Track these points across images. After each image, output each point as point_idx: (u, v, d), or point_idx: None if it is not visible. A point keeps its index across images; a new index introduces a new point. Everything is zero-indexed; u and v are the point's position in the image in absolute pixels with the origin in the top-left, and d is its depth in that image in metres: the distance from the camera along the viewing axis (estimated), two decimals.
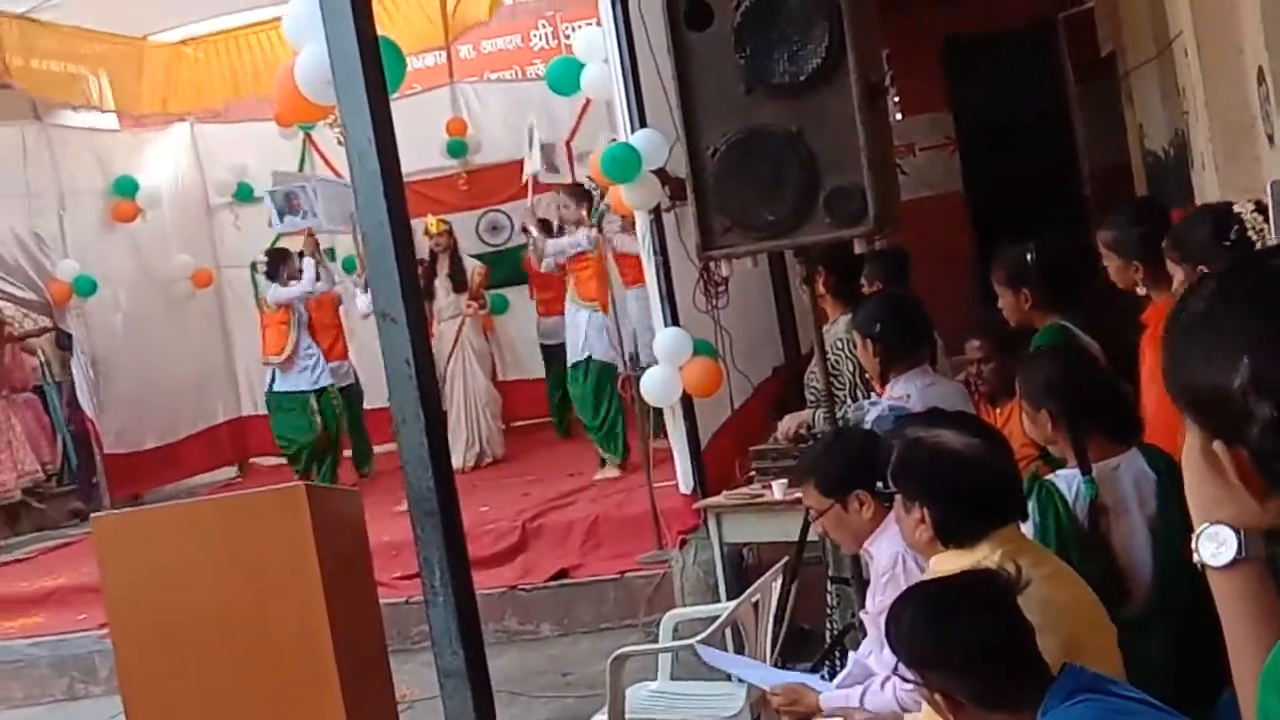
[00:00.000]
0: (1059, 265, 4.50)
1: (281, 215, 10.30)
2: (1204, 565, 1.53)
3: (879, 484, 3.19)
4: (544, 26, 13.56)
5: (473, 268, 10.94)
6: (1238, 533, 1.50)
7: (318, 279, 10.64)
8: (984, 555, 2.81)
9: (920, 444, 3.03)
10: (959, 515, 2.92)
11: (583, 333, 9.65)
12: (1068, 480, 3.27)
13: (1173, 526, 3.16)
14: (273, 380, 10.81)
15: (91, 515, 5.09)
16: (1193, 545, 1.54)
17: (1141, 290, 4.17)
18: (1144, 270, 4.13)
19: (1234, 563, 1.51)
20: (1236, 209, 3.43)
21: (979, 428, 3.20)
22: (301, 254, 10.75)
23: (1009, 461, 3.08)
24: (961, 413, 3.60)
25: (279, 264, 10.71)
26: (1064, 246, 4.66)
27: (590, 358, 9.62)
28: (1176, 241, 3.52)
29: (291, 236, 10.98)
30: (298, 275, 10.63)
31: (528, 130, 10.16)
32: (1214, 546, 1.51)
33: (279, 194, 10.26)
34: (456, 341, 10.75)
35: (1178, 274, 3.47)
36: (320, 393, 10.74)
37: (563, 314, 10.13)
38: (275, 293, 10.62)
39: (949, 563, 2.87)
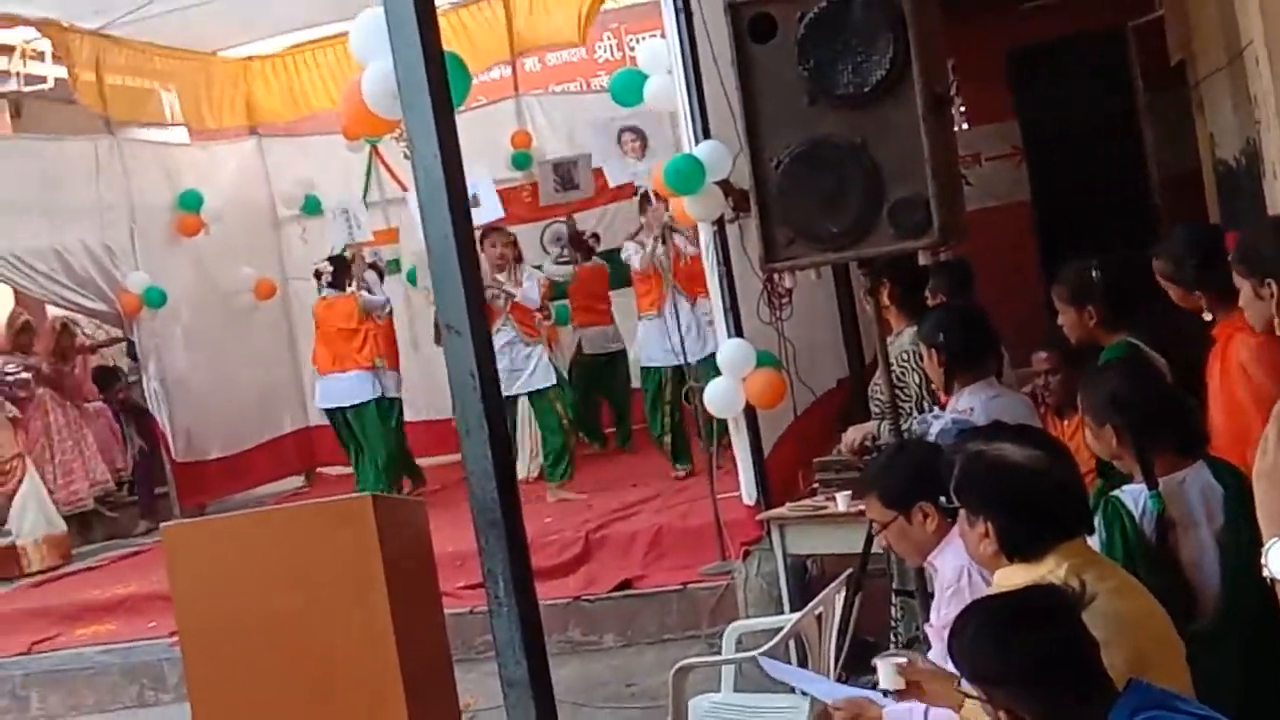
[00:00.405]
0: (1124, 282, 4.46)
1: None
2: (1274, 580, 1.51)
3: (942, 499, 3.16)
4: (609, 39, 13.61)
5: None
6: None
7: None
8: (1049, 569, 2.78)
9: (982, 457, 3.01)
10: (1023, 527, 2.89)
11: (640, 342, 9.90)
12: (1134, 496, 3.24)
13: (1241, 541, 3.12)
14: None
15: (161, 524, 5.15)
16: (1263, 559, 1.52)
17: (1208, 316, 4.12)
18: (1206, 297, 4.09)
19: None
20: None
21: (1041, 439, 3.18)
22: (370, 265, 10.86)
23: (1073, 473, 3.05)
24: (1024, 425, 3.57)
25: (344, 272, 10.76)
26: (1128, 262, 4.61)
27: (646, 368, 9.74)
28: (1244, 255, 3.47)
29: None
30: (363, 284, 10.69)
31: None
32: None
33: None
34: None
35: (1245, 287, 3.42)
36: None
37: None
38: (370, 300, 10.67)
39: (1014, 577, 2.84)
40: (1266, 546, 1.53)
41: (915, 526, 3.61)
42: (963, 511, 3.01)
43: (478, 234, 10.13)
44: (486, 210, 10.09)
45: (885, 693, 3.94)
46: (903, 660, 3.32)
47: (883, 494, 3.70)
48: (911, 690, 3.32)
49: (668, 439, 10.07)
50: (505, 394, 9.18)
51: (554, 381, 10.09)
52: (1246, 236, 3.76)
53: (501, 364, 9.26)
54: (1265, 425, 3.22)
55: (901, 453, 3.94)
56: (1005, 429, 3.25)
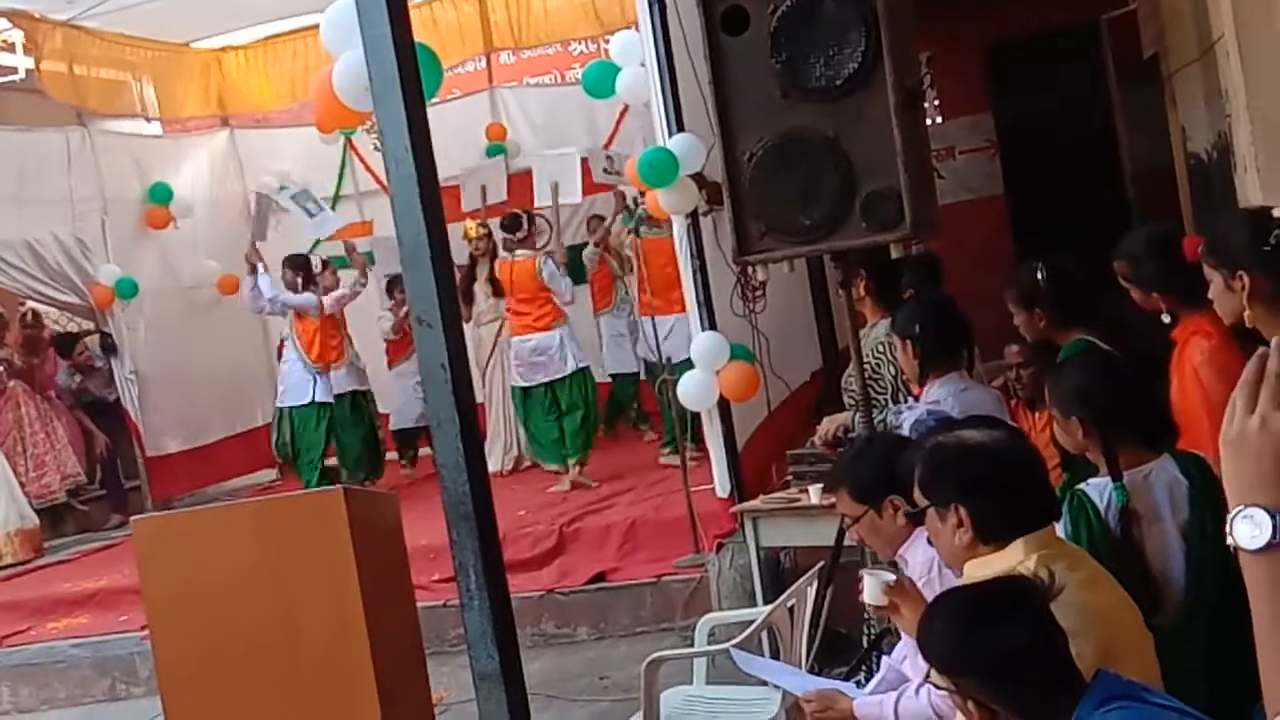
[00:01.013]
0: (1069, 284, 4.48)
1: (311, 215, 10.31)
2: (1238, 548, 1.52)
3: (905, 506, 3.18)
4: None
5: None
6: (1274, 516, 1.49)
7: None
8: (1018, 560, 2.79)
9: (943, 447, 3.02)
10: (995, 507, 2.90)
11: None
12: (1099, 489, 3.25)
13: (1205, 533, 3.13)
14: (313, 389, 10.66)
15: (131, 518, 5.13)
16: (1227, 528, 1.52)
17: (1167, 318, 4.14)
18: (1165, 299, 4.12)
19: (1268, 546, 1.49)
20: (1277, 213, 3.39)
21: (996, 424, 3.20)
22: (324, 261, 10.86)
23: (1033, 452, 3.08)
24: (975, 415, 3.59)
25: (300, 271, 10.72)
26: (1075, 263, 4.63)
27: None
28: (1214, 247, 3.48)
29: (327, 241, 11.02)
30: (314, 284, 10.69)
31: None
32: (1250, 529, 1.50)
33: (302, 194, 10.27)
34: (495, 345, 10.77)
35: (1215, 279, 3.43)
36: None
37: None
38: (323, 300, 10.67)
39: (984, 569, 2.85)
40: (1230, 515, 1.53)
41: (886, 520, 3.62)
42: (931, 511, 3.00)
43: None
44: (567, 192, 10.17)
45: (858, 681, 3.97)
46: (891, 578, 3.31)
47: (852, 489, 3.71)
48: (889, 610, 3.32)
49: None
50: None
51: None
52: (1218, 228, 3.78)
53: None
54: (1211, 427, 3.24)
55: (870, 446, 3.95)
56: (958, 421, 3.27)
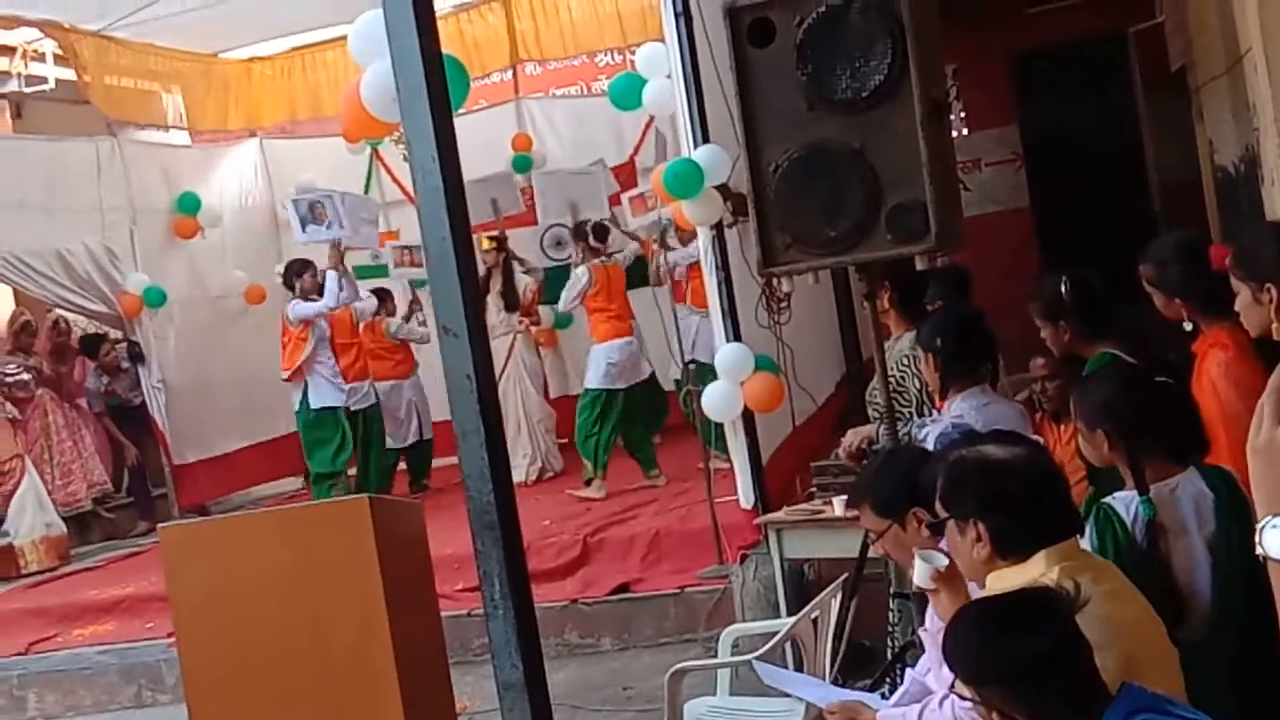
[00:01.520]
0: (1093, 297, 4.46)
1: (304, 225, 10.17)
2: (1267, 558, 1.51)
3: (927, 516, 3.16)
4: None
5: (525, 284, 10.96)
6: None
7: (341, 291, 10.32)
8: (1041, 572, 2.78)
9: (964, 461, 3.01)
10: (1015, 524, 2.89)
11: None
12: (1125, 502, 3.24)
13: (1231, 546, 3.12)
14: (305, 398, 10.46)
15: (158, 526, 5.16)
16: (1256, 537, 1.52)
17: (1188, 326, 4.12)
18: (1187, 305, 4.10)
19: None
20: None
21: (1018, 439, 3.19)
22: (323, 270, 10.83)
23: (1055, 468, 3.06)
24: (998, 430, 3.57)
25: (295, 277, 10.40)
26: (1098, 275, 4.62)
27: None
28: (1242, 259, 3.47)
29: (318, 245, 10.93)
30: (316, 291, 10.32)
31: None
32: (1277, 538, 1.50)
33: (303, 203, 10.14)
34: (509, 359, 10.73)
35: (1243, 291, 3.42)
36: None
37: None
38: (296, 308, 10.32)
39: (1006, 580, 2.84)
40: (1260, 524, 1.52)
41: (910, 533, 3.60)
42: (952, 523, 3.00)
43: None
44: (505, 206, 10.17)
45: (883, 693, 3.96)
46: (944, 562, 3.26)
47: (875, 503, 3.70)
48: (932, 594, 3.28)
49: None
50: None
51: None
52: (1246, 240, 3.77)
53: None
54: (1228, 440, 3.22)
55: (892, 460, 3.94)
56: (981, 435, 3.26)
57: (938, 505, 3.04)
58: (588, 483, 9.84)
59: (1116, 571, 2.96)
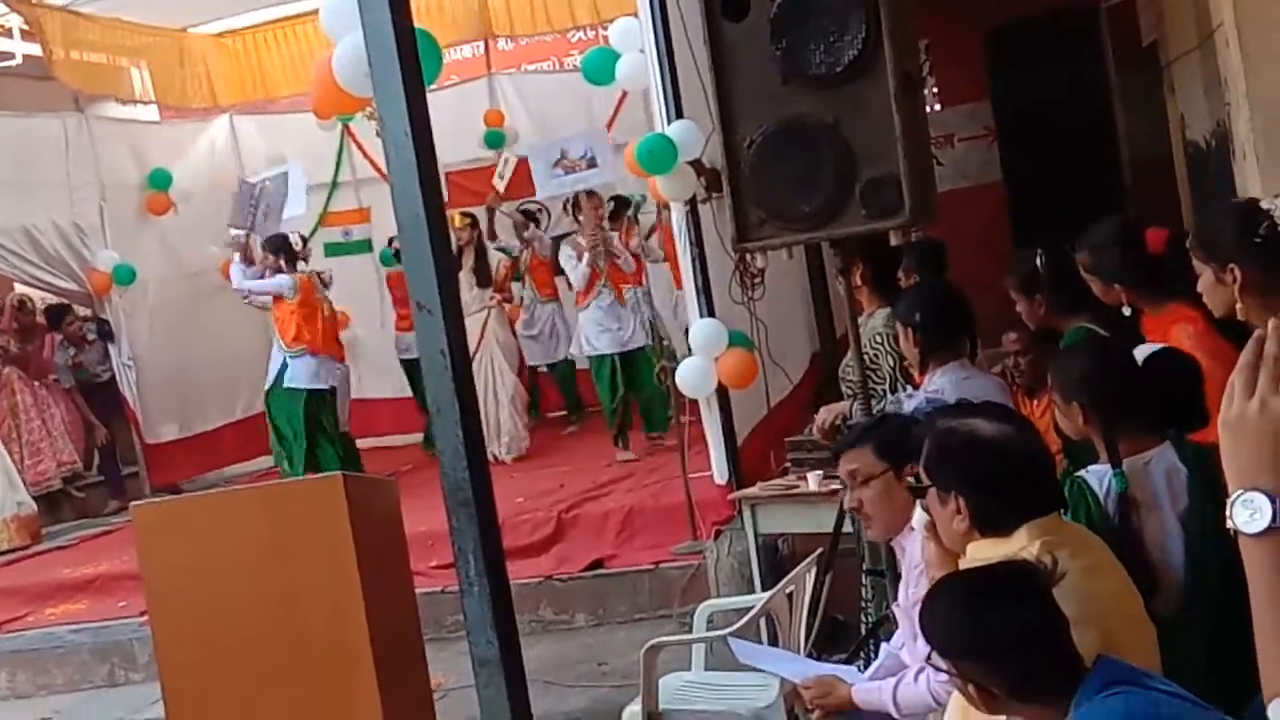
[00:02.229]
0: (1069, 271, 4.47)
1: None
2: (1237, 532, 1.52)
3: (910, 479, 3.15)
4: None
5: (498, 260, 10.93)
6: (1273, 499, 1.49)
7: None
8: (1021, 545, 2.78)
9: (953, 433, 3.01)
10: (996, 503, 2.90)
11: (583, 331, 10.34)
12: (1099, 476, 3.25)
13: (1204, 520, 3.13)
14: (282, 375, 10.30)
15: (131, 504, 5.13)
16: (1227, 512, 1.53)
17: (1127, 311, 4.14)
18: (1126, 290, 4.12)
19: (1268, 530, 1.50)
20: (1265, 205, 3.38)
21: (1010, 416, 3.18)
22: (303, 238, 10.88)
23: (1042, 449, 3.06)
24: (990, 402, 3.57)
25: (281, 253, 10.32)
26: (1074, 250, 4.62)
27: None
28: (1204, 239, 3.47)
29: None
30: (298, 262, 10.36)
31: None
32: (1248, 513, 1.50)
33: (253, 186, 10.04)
34: (482, 336, 10.67)
35: (1205, 272, 3.43)
36: None
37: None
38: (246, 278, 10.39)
39: (985, 552, 2.85)
40: (1230, 499, 1.53)
41: (901, 485, 3.56)
42: (933, 491, 3.00)
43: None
44: (293, 203, 10.10)
45: (858, 667, 3.97)
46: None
47: (879, 445, 3.65)
48: (929, 533, 3.23)
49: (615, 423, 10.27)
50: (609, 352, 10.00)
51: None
52: (1205, 221, 3.78)
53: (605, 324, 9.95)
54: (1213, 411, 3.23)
55: (898, 416, 3.91)
56: (973, 406, 3.26)
57: (921, 471, 3.04)
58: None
59: (1099, 545, 2.96)
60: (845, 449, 3.80)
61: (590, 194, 10.11)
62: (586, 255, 10.05)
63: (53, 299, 11.80)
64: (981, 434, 2.97)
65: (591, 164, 9.65)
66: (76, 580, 9.10)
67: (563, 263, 10.35)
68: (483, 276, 10.62)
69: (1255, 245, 3.29)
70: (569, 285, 10.57)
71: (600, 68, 8.75)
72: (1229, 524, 1.53)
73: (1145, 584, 3.03)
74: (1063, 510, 3.04)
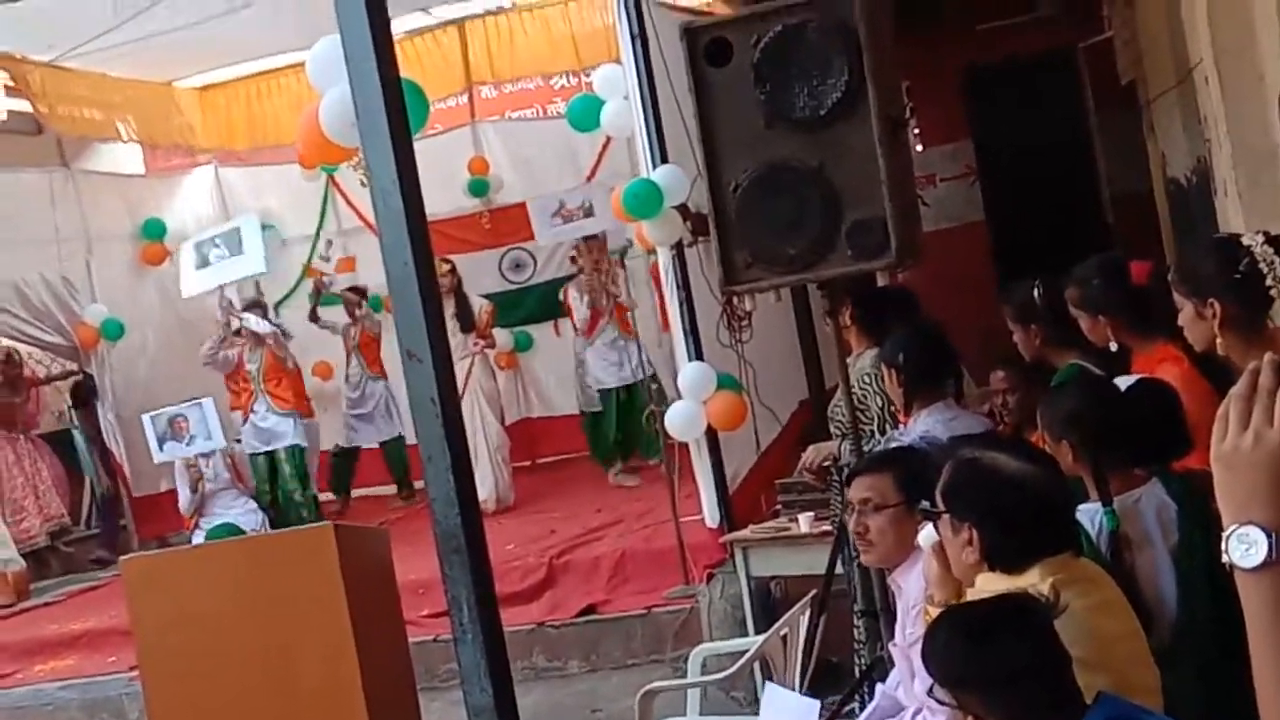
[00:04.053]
0: (1064, 302, 4.49)
1: (161, 443, 9.67)
2: (1233, 566, 1.52)
3: (925, 503, 3.13)
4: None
5: (480, 306, 10.93)
6: (1269, 534, 1.48)
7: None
8: (1030, 582, 2.78)
9: (975, 464, 3.00)
10: (1009, 538, 2.89)
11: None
12: (1090, 514, 3.25)
13: (1194, 556, 3.14)
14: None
15: (120, 557, 5.11)
16: (1223, 546, 1.52)
17: (1113, 347, 4.16)
18: (1111, 323, 4.14)
19: (1264, 565, 1.49)
20: (1245, 241, 3.41)
21: (1034, 453, 3.17)
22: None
23: (1062, 489, 3.05)
24: (1019, 439, 3.58)
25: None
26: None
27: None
28: (1185, 274, 3.50)
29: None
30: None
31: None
32: (1244, 548, 1.50)
33: (160, 420, 9.67)
34: (466, 384, 10.62)
35: (1186, 307, 3.45)
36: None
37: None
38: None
39: (994, 584, 2.85)
40: (1226, 533, 1.53)
41: (912, 520, 3.52)
42: (946, 518, 3.00)
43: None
44: (250, 259, 9.93)
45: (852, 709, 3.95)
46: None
47: (899, 475, 3.66)
48: (934, 552, 3.21)
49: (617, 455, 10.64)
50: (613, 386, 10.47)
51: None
52: (1187, 256, 3.80)
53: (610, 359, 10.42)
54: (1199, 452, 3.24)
55: (922, 450, 3.89)
56: (999, 440, 3.26)
57: (938, 496, 3.03)
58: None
59: (1110, 585, 2.95)
60: (862, 473, 3.80)
61: (589, 239, 10.31)
62: (586, 297, 10.48)
63: (40, 355, 11.77)
64: (1002, 468, 2.96)
65: (589, 213, 9.77)
66: (64, 636, 9.04)
67: (571, 303, 10.71)
68: (465, 322, 10.60)
69: (1235, 281, 3.32)
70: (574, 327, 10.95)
71: (585, 114, 8.79)
72: (1224, 559, 1.53)
73: (1140, 620, 3.03)
74: (1078, 550, 3.02)
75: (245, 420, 10.60)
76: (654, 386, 9.01)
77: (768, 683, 4.50)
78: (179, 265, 10.81)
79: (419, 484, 11.60)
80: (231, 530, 9.23)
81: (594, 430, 11.06)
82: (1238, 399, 1.54)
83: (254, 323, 10.50)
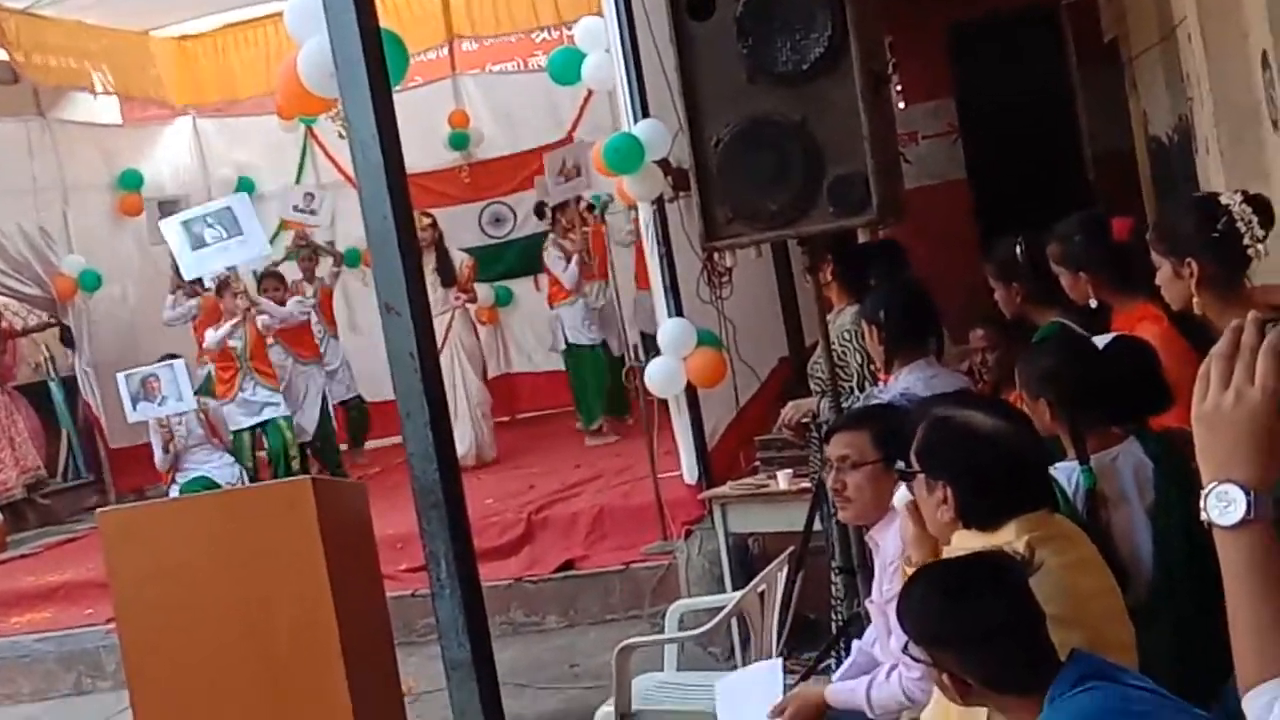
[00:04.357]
0: (1046, 260, 4.48)
1: (135, 402, 9.47)
2: (1211, 524, 1.52)
3: (900, 463, 3.13)
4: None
5: (460, 260, 10.87)
6: (1248, 492, 1.49)
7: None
8: (1006, 540, 2.78)
9: (949, 423, 3.00)
10: (983, 497, 2.89)
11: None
12: (1067, 472, 3.25)
13: (1171, 514, 3.14)
14: None
15: (97, 510, 5.09)
16: (1201, 504, 1.53)
17: (1093, 303, 4.15)
18: (1092, 280, 4.13)
19: (1242, 523, 1.50)
20: (1224, 200, 3.40)
21: (1008, 411, 3.17)
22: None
23: (1036, 446, 3.05)
24: (993, 397, 3.57)
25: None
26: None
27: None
28: (1162, 233, 3.49)
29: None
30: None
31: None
32: (1222, 505, 1.51)
33: (134, 379, 9.46)
34: (446, 338, 10.53)
35: (1164, 265, 3.45)
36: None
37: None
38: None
39: (970, 542, 2.85)
40: (1204, 491, 1.53)
41: (889, 478, 3.50)
42: (920, 477, 3.00)
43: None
44: (251, 244, 9.40)
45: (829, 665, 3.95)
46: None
47: (876, 432, 3.64)
48: (909, 511, 3.18)
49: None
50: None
51: None
52: (1165, 215, 3.80)
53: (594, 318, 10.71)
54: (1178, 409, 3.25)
55: (901, 408, 3.89)
56: (973, 397, 3.26)
57: (912, 456, 3.03)
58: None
59: (1085, 542, 2.96)
60: (840, 430, 3.79)
61: (578, 199, 10.38)
62: (575, 256, 10.54)
63: (17, 307, 11.70)
64: (976, 426, 2.96)
65: (578, 172, 9.79)
66: (41, 588, 9.03)
67: (549, 264, 10.76)
68: (446, 277, 10.55)
69: (1213, 240, 3.31)
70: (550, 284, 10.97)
71: (566, 68, 8.74)
72: (1203, 516, 1.53)
73: (1116, 578, 3.04)
74: (1053, 506, 3.02)
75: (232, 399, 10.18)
76: (634, 344, 9.00)
77: (719, 681, 4.48)
78: (162, 235, 10.59)
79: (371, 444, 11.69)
80: (207, 484, 9.16)
81: (577, 382, 11.10)
82: (1219, 358, 1.55)
83: (271, 310, 10.37)
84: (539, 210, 11.55)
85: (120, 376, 9.57)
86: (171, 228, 9.08)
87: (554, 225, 10.92)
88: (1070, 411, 3.29)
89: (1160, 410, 3.33)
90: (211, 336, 9.91)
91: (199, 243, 9.23)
